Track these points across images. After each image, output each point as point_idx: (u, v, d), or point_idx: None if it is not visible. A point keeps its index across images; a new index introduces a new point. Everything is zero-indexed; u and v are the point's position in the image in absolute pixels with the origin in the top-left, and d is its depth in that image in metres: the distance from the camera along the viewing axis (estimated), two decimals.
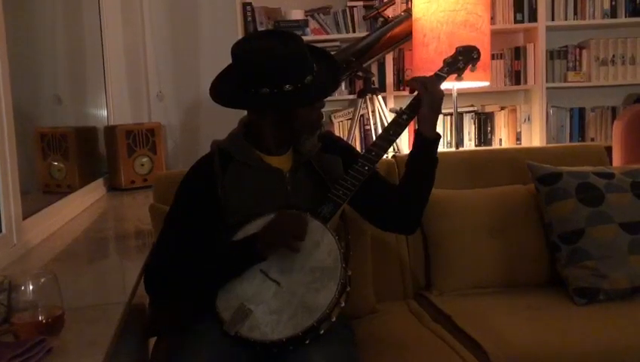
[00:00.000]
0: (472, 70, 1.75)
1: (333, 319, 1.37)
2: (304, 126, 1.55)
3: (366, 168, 1.52)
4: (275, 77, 1.45)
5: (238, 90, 1.49)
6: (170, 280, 1.48)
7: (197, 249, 1.48)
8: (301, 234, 1.42)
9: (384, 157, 1.63)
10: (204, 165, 1.58)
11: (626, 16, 3.73)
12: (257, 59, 1.45)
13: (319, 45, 3.57)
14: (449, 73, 1.68)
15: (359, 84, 3.61)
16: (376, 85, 3.63)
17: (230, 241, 1.46)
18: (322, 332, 1.36)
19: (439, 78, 1.65)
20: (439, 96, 1.58)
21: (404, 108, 1.62)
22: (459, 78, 1.74)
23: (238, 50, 1.50)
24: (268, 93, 1.45)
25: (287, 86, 1.45)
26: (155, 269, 1.51)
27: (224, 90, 1.53)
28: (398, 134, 1.59)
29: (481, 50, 1.75)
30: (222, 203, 1.50)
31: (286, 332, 1.34)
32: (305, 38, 3.68)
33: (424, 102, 1.57)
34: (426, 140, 1.59)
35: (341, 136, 3.63)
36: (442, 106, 1.60)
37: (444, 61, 1.71)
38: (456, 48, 1.73)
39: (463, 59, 1.70)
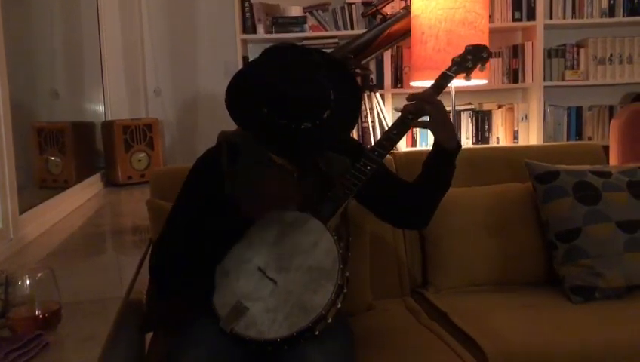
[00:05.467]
0: (481, 70, 1.70)
1: (329, 320, 1.36)
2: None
3: (368, 168, 1.49)
4: (295, 113, 1.41)
5: (254, 112, 1.44)
6: (177, 266, 1.46)
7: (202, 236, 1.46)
8: (288, 197, 1.41)
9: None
10: (213, 157, 1.55)
11: (624, 16, 3.73)
12: (282, 92, 1.40)
13: (318, 43, 3.62)
14: (457, 73, 1.64)
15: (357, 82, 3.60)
16: (375, 83, 3.63)
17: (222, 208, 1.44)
18: (318, 333, 1.35)
19: (447, 77, 1.62)
20: (442, 107, 1.54)
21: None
22: (467, 78, 1.69)
23: (265, 70, 1.45)
24: (285, 125, 1.41)
25: (306, 123, 1.41)
26: (163, 257, 1.49)
27: (240, 105, 1.47)
28: (402, 134, 1.55)
29: None
30: (228, 197, 1.49)
31: (281, 331, 1.34)
32: (303, 34, 3.69)
33: (431, 119, 1.54)
34: (445, 151, 1.55)
35: None
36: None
37: (453, 60, 1.66)
38: (466, 47, 1.69)
39: (472, 59, 1.66)
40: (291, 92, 1.40)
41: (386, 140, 1.54)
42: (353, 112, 1.54)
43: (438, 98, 1.56)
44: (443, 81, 1.62)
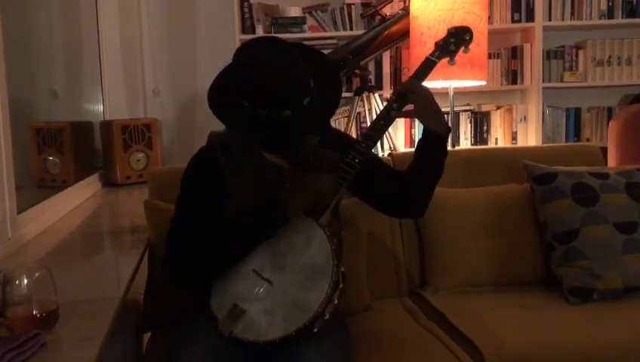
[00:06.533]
0: (465, 52, 1.66)
1: (327, 317, 1.37)
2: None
3: (356, 161, 1.49)
4: (275, 102, 1.41)
5: (235, 106, 1.45)
6: (195, 255, 1.43)
7: (212, 225, 1.45)
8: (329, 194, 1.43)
9: (381, 155, 1.61)
10: (206, 157, 1.56)
11: (622, 17, 3.73)
12: (259, 83, 1.41)
13: (317, 43, 3.62)
14: (440, 57, 1.61)
15: (356, 82, 3.61)
16: (373, 83, 3.63)
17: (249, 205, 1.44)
18: (316, 330, 1.36)
19: (430, 62, 1.59)
20: (426, 94, 1.53)
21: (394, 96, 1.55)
22: (451, 63, 1.64)
23: (241, 64, 1.46)
24: (265, 116, 1.42)
25: (286, 111, 1.42)
26: (178, 248, 1.46)
27: (221, 101, 1.49)
28: (388, 124, 1.55)
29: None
30: (223, 196, 1.49)
31: (279, 332, 1.34)
32: (302, 35, 3.68)
33: (416, 107, 1.54)
34: (435, 136, 1.55)
35: None
36: (439, 105, 1.57)
37: (436, 44, 1.63)
38: (448, 30, 1.65)
39: (455, 42, 1.62)
40: (267, 82, 1.41)
41: (372, 131, 1.54)
42: (333, 96, 1.55)
43: (424, 85, 1.56)
44: (426, 67, 1.59)
